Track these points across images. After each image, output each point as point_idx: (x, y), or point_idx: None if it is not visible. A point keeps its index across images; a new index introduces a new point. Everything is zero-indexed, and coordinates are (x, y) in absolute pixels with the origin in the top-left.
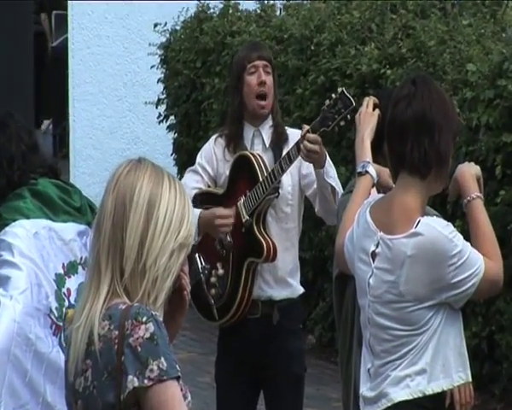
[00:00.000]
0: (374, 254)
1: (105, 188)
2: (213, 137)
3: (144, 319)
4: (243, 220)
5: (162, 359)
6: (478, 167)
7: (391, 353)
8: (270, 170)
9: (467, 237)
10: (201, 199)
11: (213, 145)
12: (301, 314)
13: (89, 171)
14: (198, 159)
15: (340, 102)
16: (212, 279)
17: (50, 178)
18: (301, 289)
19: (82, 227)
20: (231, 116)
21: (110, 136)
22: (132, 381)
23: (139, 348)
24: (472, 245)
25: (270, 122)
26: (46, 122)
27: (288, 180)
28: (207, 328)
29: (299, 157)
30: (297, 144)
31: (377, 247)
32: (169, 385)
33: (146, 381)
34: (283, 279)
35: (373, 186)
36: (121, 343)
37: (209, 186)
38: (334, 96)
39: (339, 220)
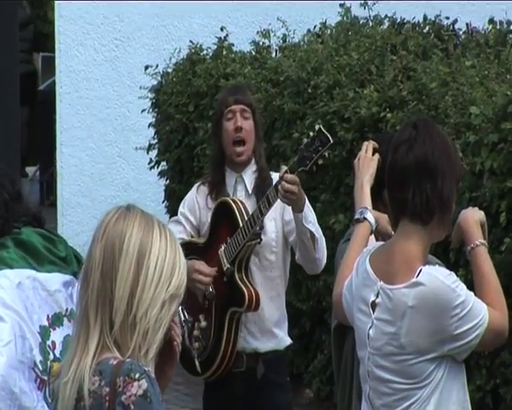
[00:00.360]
0: (374, 305)
1: (92, 236)
2: (196, 185)
3: (137, 375)
4: (224, 269)
5: None
6: (482, 213)
7: (391, 407)
8: (249, 215)
9: (470, 287)
10: (184, 250)
11: (196, 193)
12: (287, 367)
13: (77, 219)
14: (180, 208)
15: (317, 140)
16: (195, 332)
17: (35, 227)
18: (288, 341)
19: (67, 277)
20: (213, 163)
21: (99, 182)
22: None
23: (132, 407)
24: (476, 294)
25: (253, 167)
26: (33, 169)
27: (271, 227)
28: (201, 382)
29: (279, 201)
30: (275, 186)
31: (377, 297)
32: None
33: None
34: (269, 330)
35: (371, 233)
36: (113, 401)
37: (192, 236)
38: (311, 134)
39: (336, 269)
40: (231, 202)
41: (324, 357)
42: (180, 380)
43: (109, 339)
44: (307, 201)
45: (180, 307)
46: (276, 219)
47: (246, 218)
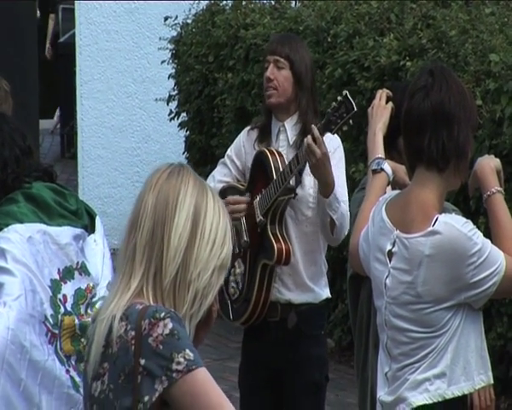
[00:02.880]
0: (390, 254)
1: (143, 187)
2: (246, 128)
3: (162, 315)
4: (257, 220)
5: (187, 350)
6: (498, 160)
7: (409, 356)
8: (281, 169)
9: (490, 235)
10: (231, 193)
11: (243, 138)
12: (324, 320)
13: (98, 171)
14: (228, 151)
15: (343, 106)
16: (231, 278)
17: (45, 181)
18: (325, 295)
19: (78, 231)
20: (263, 108)
21: (120, 134)
22: (161, 382)
23: (161, 346)
24: (492, 242)
25: (295, 118)
26: (53, 121)
27: (310, 182)
28: (223, 333)
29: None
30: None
31: (394, 246)
32: (199, 373)
33: (174, 374)
34: (303, 283)
35: (388, 184)
36: (139, 344)
37: (238, 179)
38: (339, 98)
39: (352, 217)
40: (268, 153)
41: (345, 307)
42: None
43: (148, 286)
44: (343, 181)
45: None
46: None
47: (280, 171)
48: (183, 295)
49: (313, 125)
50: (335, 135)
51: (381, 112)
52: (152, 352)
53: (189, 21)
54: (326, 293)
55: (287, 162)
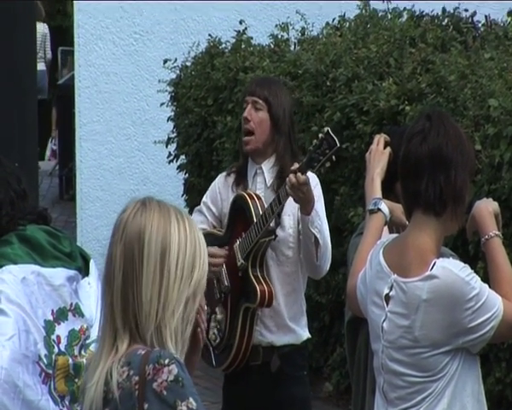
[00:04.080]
0: (387, 298)
1: (111, 235)
2: (222, 174)
3: (166, 361)
4: (238, 264)
5: (191, 399)
6: (496, 204)
7: (405, 400)
8: (262, 212)
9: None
10: (208, 240)
11: (219, 184)
12: (305, 361)
13: (96, 213)
14: (204, 198)
15: (325, 143)
16: (212, 324)
17: (40, 224)
18: (305, 335)
19: (72, 272)
20: (239, 151)
21: (118, 176)
22: None
23: (165, 392)
24: (490, 286)
25: (272, 161)
26: (52, 163)
27: (289, 222)
28: (220, 376)
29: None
30: (285, 185)
31: (391, 290)
32: None
33: None
34: (285, 325)
35: (385, 224)
36: (143, 389)
37: (215, 226)
38: (320, 135)
39: (349, 262)
40: (247, 196)
41: (343, 350)
42: (199, 374)
43: (138, 340)
44: (322, 204)
45: None
46: (294, 214)
47: (260, 214)
48: (163, 339)
49: (295, 164)
50: (314, 174)
51: (378, 157)
52: (156, 397)
53: (189, 64)
54: (306, 333)
55: (265, 205)
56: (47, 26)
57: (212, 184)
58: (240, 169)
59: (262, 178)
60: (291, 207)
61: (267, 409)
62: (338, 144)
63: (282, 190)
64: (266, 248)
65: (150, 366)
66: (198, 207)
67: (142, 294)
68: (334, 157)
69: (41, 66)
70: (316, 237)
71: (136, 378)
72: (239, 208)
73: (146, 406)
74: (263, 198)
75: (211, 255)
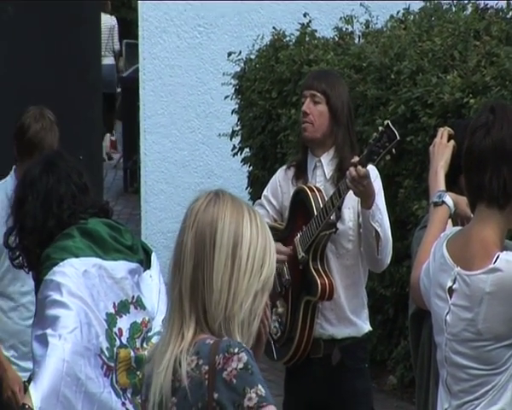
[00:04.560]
0: (451, 290)
1: (182, 223)
2: (282, 168)
3: (236, 349)
4: (299, 257)
5: (259, 386)
6: None
7: (469, 393)
8: (322, 205)
9: None
10: None
11: (280, 177)
12: (366, 354)
13: (160, 206)
14: (264, 191)
15: (385, 136)
16: (273, 317)
17: (101, 218)
18: (367, 328)
19: (133, 265)
20: (299, 145)
21: (183, 169)
22: None
23: (234, 381)
24: None
25: (331, 153)
26: (117, 156)
27: (349, 215)
28: (284, 369)
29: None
30: (346, 178)
31: (454, 283)
32: None
33: None
34: (346, 317)
35: (450, 217)
36: (213, 378)
37: (275, 220)
38: (380, 128)
39: (413, 255)
40: (307, 189)
41: (407, 343)
42: (264, 367)
43: (204, 327)
44: (382, 198)
45: None
46: (354, 207)
47: (320, 207)
48: (230, 329)
49: (355, 157)
50: (373, 167)
51: (442, 150)
52: (225, 386)
53: (253, 57)
54: (368, 326)
55: (326, 198)
56: (115, 19)
57: (273, 177)
58: (299, 163)
59: (321, 171)
60: (351, 201)
61: (329, 402)
62: (398, 137)
63: (342, 184)
64: (327, 241)
65: (220, 356)
66: (259, 201)
67: (213, 281)
68: (394, 150)
69: (109, 60)
70: (376, 231)
71: (206, 368)
72: (300, 202)
73: (216, 395)
74: (323, 191)
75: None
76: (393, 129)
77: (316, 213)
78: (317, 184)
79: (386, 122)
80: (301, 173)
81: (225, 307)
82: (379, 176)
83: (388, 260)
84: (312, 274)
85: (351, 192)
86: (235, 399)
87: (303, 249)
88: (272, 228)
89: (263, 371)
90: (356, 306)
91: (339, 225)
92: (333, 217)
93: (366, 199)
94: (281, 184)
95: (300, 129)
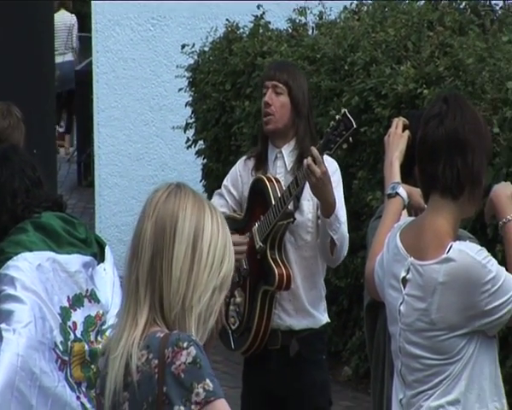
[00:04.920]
0: (404, 281)
1: (141, 213)
2: (242, 158)
3: (185, 344)
4: (256, 247)
5: (207, 380)
6: None
7: (423, 382)
8: (280, 195)
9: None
10: (227, 224)
11: (240, 168)
12: (324, 345)
13: (114, 199)
14: (224, 181)
15: (342, 124)
16: (231, 307)
17: (55, 211)
18: (324, 320)
19: (87, 258)
20: (259, 136)
21: (137, 162)
22: None
23: (182, 375)
24: (508, 270)
25: (292, 144)
26: (70, 149)
27: (308, 207)
28: (240, 361)
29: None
30: (303, 167)
31: (408, 273)
32: (217, 404)
33: (193, 406)
34: (303, 308)
35: (404, 208)
36: (162, 372)
37: (235, 210)
38: (337, 117)
39: (368, 246)
40: (266, 179)
41: (362, 334)
42: (219, 358)
43: (158, 316)
44: (339, 194)
45: None
46: (314, 199)
47: (278, 196)
48: (187, 322)
49: (312, 147)
50: (333, 160)
51: (397, 140)
52: (174, 380)
53: (206, 49)
54: (325, 317)
55: (284, 188)
56: (75, 17)
57: (233, 167)
58: (260, 153)
59: (282, 162)
60: (310, 192)
61: (287, 393)
62: (355, 125)
63: (299, 173)
64: (285, 231)
65: (169, 349)
66: (218, 191)
67: (172, 270)
68: (351, 139)
69: (68, 57)
70: (332, 238)
71: (156, 362)
72: (258, 192)
73: (165, 389)
74: (282, 182)
75: (234, 244)
76: (350, 117)
77: (274, 202)
78: (278, 175)
79: (343, 110)
80: (261, 164)
81: (183, 297)
82: (338, 169)
83: (342, 258)
84: (270, 264)
85: None
86: (184, 394)
87: (260, 239)
88: (230, 218)
89: (218, 363)
90: (314, 297)
91: (298, 216)
92: (291, 207)
93: (324, 203)
94: (241, 174)
95: (262, 120)
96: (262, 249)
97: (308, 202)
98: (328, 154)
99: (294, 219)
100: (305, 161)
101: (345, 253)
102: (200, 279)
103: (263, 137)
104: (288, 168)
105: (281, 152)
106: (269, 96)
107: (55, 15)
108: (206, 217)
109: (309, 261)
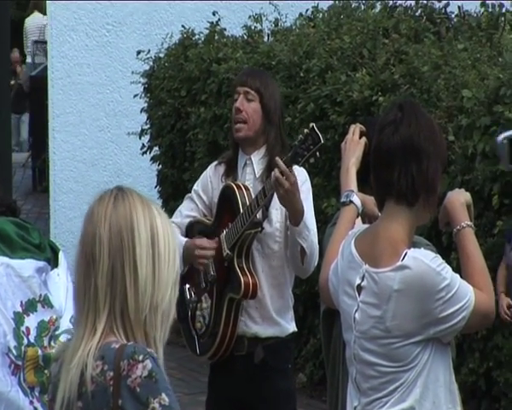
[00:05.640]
0: (359, 288)
1: (89, 222)
2: (213, 164)
3: (141, 357)
4: (224, 254)
5: (163, 395)
6: (468, 194)
7: (378, 390)
8: (248, 203)
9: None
10: (197, 228)
11: (210, 173)
12: (290, 354)
13: (70, 205)
14: (195, 186)
15: (310, 139)
16: (198, 312)
17: (8, 216)
18: (291, 329)
19: (41, 263)
20: (230, 141)
21: (92, 168)
22: None
23: (138, 389)
24: (462, 277)
25: (262, 152)
26: (25, 155)
27: (277, 216)
28: (195, 367)
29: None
30: (271, 178)
31: (363, 280)
32: None
33: None
34: (270, 317)
35: (358, 216)
36: (117, 385)
37: (205, 215)
38: (305, 130)
39: (323, 253)
40: (235, 187)
41: (317, 341)
42: (174, 365)
43: (117, 323)
44: (311, 208)
45: (187, 286)
46: (283, 208)
47: (247, 205)
48: (153, 322)
49: (277, 158)
50: (302, 168)
51: (354, 147)
52: (130, 393)
53: (162, 55)
54: (292, 327)
55: (253, 196)
56: (46, 18)
57: (204, 173)
58: (230, 160)
59: (251, 168)
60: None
61: (251, 400)
62: (322, 141)
63: (267, 183)
64: (252, 240)
65: (125, 362)
66: (189, 195)
67: (138, 272)
68: (318, 153)
69: (40, 59)
70: (302, 247)
71: (111, 374)
72: (227, 199)
73: (120, 402)
74: (251, 189)
75: (201, 247)
76: (318, 132)
77: (241, 210)
78: (247, 182)
79: (311, 125)
80: (231, 171)
81: (151, 296)
82: (308, 179)
83: (312, 269)
84: (236, 272)
85: None
86: (139, 408)
87: (228, 247)
88: (200, 223)
89: (172, 369)
90: (281, 306)
91: (266, 225)
92: (259, 216)
93: (292, 212)
94: (211, 179)
95: (232, 126)
96: (229, 257)
97: (276, 211)
98: (295, 165)
99: (262, 228)
100: (272, 173)
101: (315, 263)
102: (162, 276)
103: (233, 142)
104: (257, 175)
105: (250, 159)
106: (240, 102)
107: (29, 18)
108: (155, 214)
109: (276, 271)
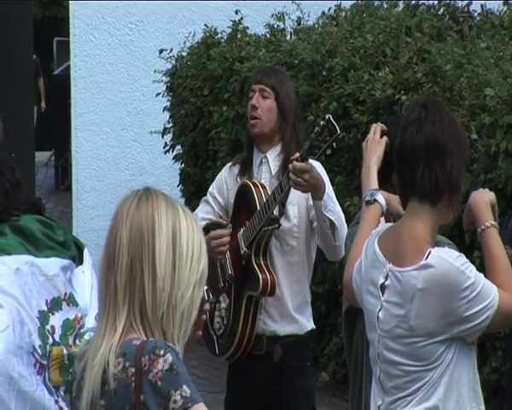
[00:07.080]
0: (383, 287)
1: (113, 221)
2: (227, 164)
3: (162, 351)
4: (241, 252)
5: (184, 386)
6: (492, 194)
7: (402, 389)
8: (265, 200)
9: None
10: (212, 230)
11: (225, 174)
12: (309, 353)
13: (92, 204)
14: (210, 188)
15: (326, 130)
16: (216, 313)
17: (34, 214)
18: (310, 326)
19: (66, 262)
20: (245, 141)
21: (114, 167)
22: None
23: (159, 383)
24: (486, 276)
25: (278, 149)
26: (48, 154)
27: (294, 212)
28: (217, 365)
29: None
30: (288, 172)
31: (386, 279)
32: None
33: None
34: (288, 314)
35: (382, 215)
36: (139, 381)
37: (221, 216)
38: (321, 122)
39: (346, 251)
40: (251, 184)
41: (340, 340)
42: (196, 364)
43: (137, 320)
44: (330, 188)
45: (204, 288)
46: (300, 203)
47: (263, 202)
48: (171, 320)
49: (296, 153)
50: (319, 163)
51: (375, 146)
52: (151, 388)
53: (184, 54)
54: (311, 324)
55: (270, 193)
56: None
57: (219, 174)
58: (245, 159)
59: (267, 166)
60: (296, 197)
61: (270, 399)
62: (339, 131)
63: (283, 178)
64: (270, 236)
65: (146, 357)
66: (204, 198)
67: (156, 269)
68: (335, 144)
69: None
70: (331, 220)
71: (133, 370)
72: (243, 197)
73: (142, 397)
74: (267, 187)
75: (216, 237)
76: (334, 123)
77: (258, 208)
78: (263, 180)
79: (327, 116)
80: (246, 169)
81: (169, 293)
82: (325, 172)
83: (343, 242)
84: (255, 269)
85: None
86: (161, 402)
87: (245, 244)
88: (216, 224)
89: (194, 369)
90: (299, 303)
91: (283, 221)
92: (276, 212)
93: (313, 191)
94: (226, 180)
95: (248, 123)
96: (247, 255)
97: (293, 206)
98: (312, 159)
99: (280, 224)
100: (289, 167)
101: (344, 235)
102: (183, 275)
103: (248, 141)
104: (273, 173)
105: (266, 157)
106: (255, 99)
107: None
108: (180, 214)
109: (295, 267)
